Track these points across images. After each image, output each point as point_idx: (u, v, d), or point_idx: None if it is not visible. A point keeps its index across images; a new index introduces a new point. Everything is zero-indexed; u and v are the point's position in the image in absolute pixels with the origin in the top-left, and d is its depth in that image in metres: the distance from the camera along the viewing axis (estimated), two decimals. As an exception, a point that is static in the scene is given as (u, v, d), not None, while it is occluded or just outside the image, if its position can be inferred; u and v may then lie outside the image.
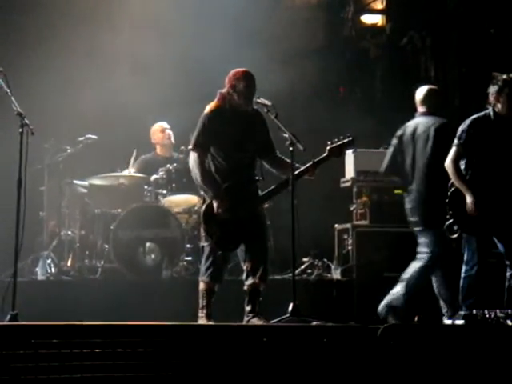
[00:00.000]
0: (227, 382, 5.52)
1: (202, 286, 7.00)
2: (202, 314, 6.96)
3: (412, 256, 7.54)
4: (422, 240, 7.51)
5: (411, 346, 5.76)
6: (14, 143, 6.48)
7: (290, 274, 6.99)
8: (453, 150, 7.09)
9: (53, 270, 8.83)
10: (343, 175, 9.44)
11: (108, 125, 9.81)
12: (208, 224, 6.95)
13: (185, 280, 8.62)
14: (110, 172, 9.25)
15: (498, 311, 6.65)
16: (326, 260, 9.43)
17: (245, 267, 6.99)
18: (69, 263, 8.96)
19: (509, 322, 6.57)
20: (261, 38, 10.27)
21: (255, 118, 7.09)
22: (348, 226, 9.18)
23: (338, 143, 7.11)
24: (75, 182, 9.31)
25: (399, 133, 7.71)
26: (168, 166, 9.17)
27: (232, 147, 6.99)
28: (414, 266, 7.48)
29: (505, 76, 7.03)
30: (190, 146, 7.05)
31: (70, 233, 9.14)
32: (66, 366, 5.23)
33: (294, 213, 6.77)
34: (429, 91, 7.70)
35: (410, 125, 7.67)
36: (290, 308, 6.66)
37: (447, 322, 7.17)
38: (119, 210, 8.94)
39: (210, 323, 6.83)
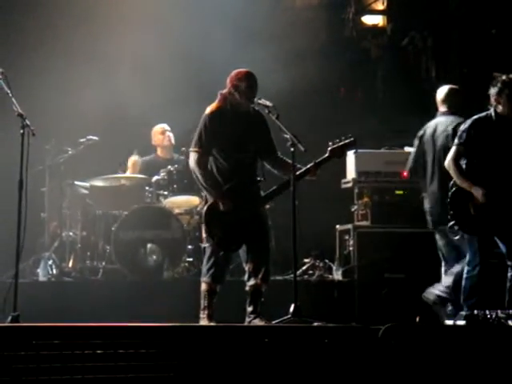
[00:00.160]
0: (229, 382, 5.52)
1: (203, 286, 6.99)
2: (203, 314, 6.95)
3: (413, 256, 7.52)
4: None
5: (413, 346, 5.75)
6: (15, 144, 6.50)
7: (292, 275, 6.99)
8: (453, 149, 7.08)
9: (54, 271, 8.83)
10: (344, 176, 9.42)
11: (109, 126, 9.82)
12: (209, 225, 6.93)
13: (186, 281, 8.62)
14: (112, 173, 9.25)
15: (499, 312, 6.65)
16: (327, 261, 9.43)
17: (246, 268, 6.97)
18: (70, 264, 8.97)
19: (510, 323, 6.57)
20: (262, 39, 10.25)
21: (256, 118, 7.07)
22: (349, 226, 9.17)
23: (340, 144, 7.09)
24: (76, 183, 9.32)
25: (420, 133, 7.73)
26: (169, 167, 9.17)
27: (233, 148, 6.97)
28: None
29: (504, 77, 7.01)
30: (191, 147, 7.04)
31: (71, 234, 9.15)
32: (67, 367, 5.23)
33: (296, 213, 6.76)
34: (450, 91, 7.69)
35: (431, 125, 7.67)
36: (292, 309, 6.64)
37: (448, 322, 7.18)
38: (121, 211, 8.94)
39: (212, 324, 6.82)
